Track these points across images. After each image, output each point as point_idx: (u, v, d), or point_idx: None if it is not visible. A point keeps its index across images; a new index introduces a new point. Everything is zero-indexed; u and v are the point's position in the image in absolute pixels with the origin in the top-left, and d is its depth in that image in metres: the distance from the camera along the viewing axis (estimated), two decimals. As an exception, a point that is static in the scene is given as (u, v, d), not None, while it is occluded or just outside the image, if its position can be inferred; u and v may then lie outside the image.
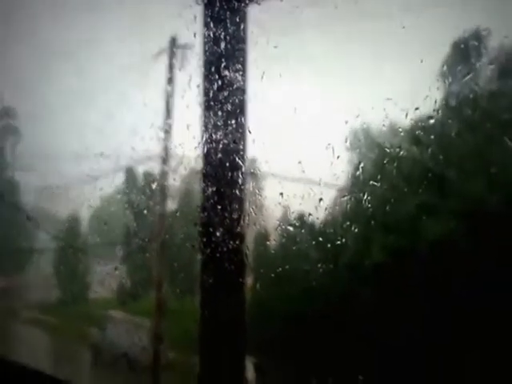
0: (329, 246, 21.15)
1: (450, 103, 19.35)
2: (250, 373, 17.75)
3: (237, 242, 3.18)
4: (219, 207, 3.08)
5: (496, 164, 17.59)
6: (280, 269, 21.99)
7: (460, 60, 19.03)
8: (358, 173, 21.62)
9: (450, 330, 16.43)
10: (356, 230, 18.79)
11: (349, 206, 21.89)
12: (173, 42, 19.91)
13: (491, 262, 16.33)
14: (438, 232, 16.43)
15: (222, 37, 3.13)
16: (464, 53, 18.81)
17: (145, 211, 25.38)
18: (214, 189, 3.10)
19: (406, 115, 20.89)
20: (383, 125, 21.59)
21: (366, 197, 20.62)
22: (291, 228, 24.48)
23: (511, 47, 18.51)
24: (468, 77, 18.96)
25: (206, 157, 3.16)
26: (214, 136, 3.13)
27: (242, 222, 3.15)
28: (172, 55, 19.86)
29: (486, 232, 16.53)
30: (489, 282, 16.64)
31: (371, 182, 19.94)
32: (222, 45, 3.15)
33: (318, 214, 23.52)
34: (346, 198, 23.62)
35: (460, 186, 17.20)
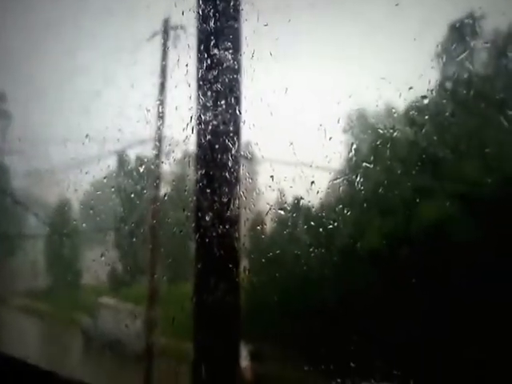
0: (322, 230, 21.18)
1: (444, 83, 19.33)
2: (246, 360, 17.84)
3: (229, 227, 3.14)
4: (211, 191, 3.03)
5: (492, 145, 17.62)
6: (273, 253, 22.02)
7: (455, 40, 18.94)
8: (350, 155, 21.61)
9: (447, 322, 16.53)
10: (349, 214, 18.81)
11: (342, 188, 21.92)
12: (166, 23, 19.70)
13: (488, 249, 16.42)
14: (433, 215, 16.47)
15: (213, 15, 3.08)
16: (459, 33, 18.73)
17: (136, 196, 25.31)
18: (206, 172, 3.05)
19: (400, 95, 20.85)
20: (377, 105, 21.52)
21: (359, 179, 20.64)
22: (283, 212, 24.53)
23: (507, 28, 18.48)
24: (463, 56, 18.92)
25: (198, 140, 3.10)
26: (205, 118, 3.08)
27: (234, 206, 3.11)
28: (165, 36, 19.66)
29: (483, 216, 16.61)
30: (487, 271, 16.73)
31: (364, 164, 19.93)
32: (214, 23, 3.08)
33: (311, 198, 23.55)
34: (338, 181, 23.65)
35: (456, 168, 17.21)
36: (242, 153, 3.17)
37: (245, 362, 17.37)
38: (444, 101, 18.99)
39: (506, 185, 16.07)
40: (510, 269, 16.38)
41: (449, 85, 19.04)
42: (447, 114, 18.53)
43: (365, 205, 18.84)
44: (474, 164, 16.94)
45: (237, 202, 3.12)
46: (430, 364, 16.86)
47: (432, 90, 19.43)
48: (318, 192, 24.10)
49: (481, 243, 16.43)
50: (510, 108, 18.24)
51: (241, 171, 3.17)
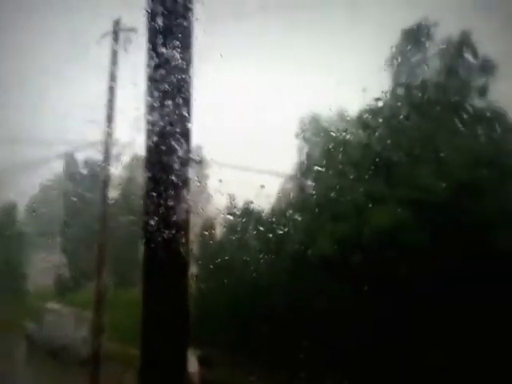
0: (272, 235, 21.19)
1: (398, 87, 19.62)
2: (194, 366, 17.60)
3: (176, 232, 3.05)
4: (158, 195, 2.94)
5: (446, 149, 17.90)
6: (222, 259, 21.85)
7: (409, 45, 19.33)
8: (302, 159, 21.68)
9: (400, 326, 16.69)
10: (300, 219, 18.80)
11: (293, 193, 21.94)
12: (116, 24, 19.38)
13: (440, 254, 16.70)
14: (385, 221, 16.59)
15: (162, 13, 3.00)
16: (414, 38, 19.12)
17: (82, 200, 24.76)
18: (154, 176, 2.96)
19: (354, 98, 21.09)
20: (330, 109, 21.74)
21: (310, 184, 20.70)
22: (232, 217, 24.44)
23: (459, 34, 18.94)
24: (417, 60, 19.30)
25: (146, 142, 3.01)
26: (153, 119, 2.99)
27: (181, 210, 3.03)
28: (114, 37, 19.32)
29: (433, 218, 16.87)
30: (439, 276, 17.06)
31: (316, 169, 19.99)
32: (163, 21, 3.00)
33: (261, 202, 23.58)
34: (289, 186, 23.68)
35: (409, 173, 17.40)
36: (191, 156, 3.08)
37: (193, 367, 17.14)
38: (398, 104, 19.26)
39: (458, 190, 16.38)
40: (462, 273, 16.75)
41: (403, 89, 19.37)
42: (401, 117, 18.79)
43: (316, 210, 18.87)
44: (427, 169, 17.18)
45: (185, 206, 3.04)
46: (380, 368, 17.04)
47: (386, 93, 19.71)
48: (268, 197, 24.17)
49: (432, 248, 16.71)
50: (464, 111, 18.65)
51: (189, 174, 3.09)
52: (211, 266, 22.14)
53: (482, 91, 18.70)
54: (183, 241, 3.02)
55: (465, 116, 18.32)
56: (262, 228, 21.68)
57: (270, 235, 20.90)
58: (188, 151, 2.94)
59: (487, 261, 16.43)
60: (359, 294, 16.68)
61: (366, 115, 19.48)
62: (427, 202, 16.57)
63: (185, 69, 2.94)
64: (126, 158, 22.80)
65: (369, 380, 16.85)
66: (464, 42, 18.78)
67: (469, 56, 18.76)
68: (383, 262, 16.86)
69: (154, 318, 2.84)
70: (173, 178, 2.93)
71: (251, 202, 22.58)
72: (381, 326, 17.01)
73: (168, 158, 2.86)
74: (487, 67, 18.59)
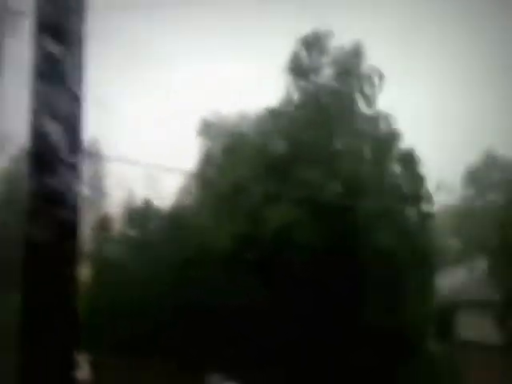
0: (171, 232, 20.96)
1: (294, 94, 20.08)
2: (86, 371, 16.89)
3: (68, 229, 2.91)
4: (46, 191, 2.77)
5: (337, 152, 18.56)
6: (118, 257, 21.31)
7: (304, 53, 19.82)
8: (203, 157, 21.64)
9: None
10: (200, 216, 18.76)
11: (192, 191, 21.85)
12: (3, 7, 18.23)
13: (332, 251, 17.25)
14: (280, 219, 16.89)
15: (53, 4, 2.82)
16: (308, 46, 19.62)
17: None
18: (41, 170, 2.78)
19: (254, 102, 21.31)
20: (230, 111, 21.94)
21: (209, 182, 20.71)
22: (131, 213, 23.93)
23: (351, 47, 19.67)
24: (311, 68, 19.84)
25: (32, 135, 2.82)
26: (42, 112, 2.82)
27: (73, 206, 2.88)
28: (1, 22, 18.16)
29: (325, 219, 17.43)
30: (332, 269, 17.62)
31: (215, 168, 20.06)
32: (54, 13, 2.83)
33: (160, 200, 23.26)
34: (189, 183, 23.53)
35: (302, 172, 17.79)
36: (83, 149, 2.95)
37: (84, 373, 16.49)
38: (293, 107, 19.71)
39: (348, 189, 17.01)
40: (353, 271, 17.42)
41: (298, 93, 19.85)
42: (296, 119, 19.22)
43: (215, 208, 18.90)
44: (319, 169, 17.67)
45: (77, 202, 2.89)
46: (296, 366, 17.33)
47: (283, 97, 20.12)
48: (168, 193, 23.90)
49: (325, 245, 17.23)
50: (354, 116, 19.40)
51: (82, 170, 2.95)
52: (106, 264, 21.53)
53: (371, 98, 19.56)
54: (75, 239, 2.85)
55: (355, 120, 19.13)
56: (161, 225, 21.46)
57: (169, 232, 20.72)
58: (78, 144, 2.75)
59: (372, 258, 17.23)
60: (254, 289, 16.90)
61: (263, 117, 19.80)
62: (319, 200, 17.07)
63: (75, 60, 2.76)
64: (11, 152, 21.61)
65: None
66: (356, 51, 19.54)
67: (360, 64, 19.56)
68: (277, 258, 17.21)
69: (36, 320, 2.58)
70: (61, 171, 2.72)
71: (150, 199, 22.25)
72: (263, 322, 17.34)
73: (55, 150, 2.64)
74: (376, 75, 19.46)
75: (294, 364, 17.27)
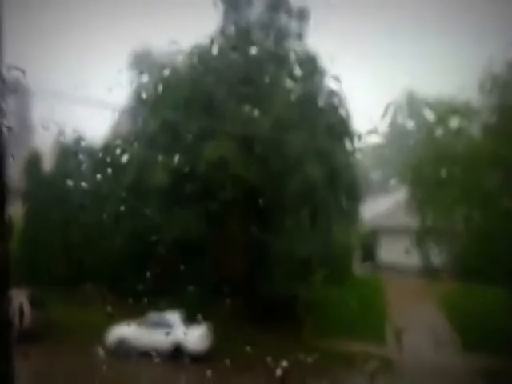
0: (106, 167, 20.29)
1: (226, 29, 19.38)
2: (25, 306, 16.38)
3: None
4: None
5: (269, 91, 18.25)
6: (51, 192, 20.48)
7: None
8: (134, 90, 20.71)
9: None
10: (135, 151, 18.08)
11: (126, 125, 20.93)
12: None
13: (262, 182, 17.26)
14: (215, 153, 16.63)
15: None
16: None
17: None
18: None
19: (187, 35, 20.37)
20: (163, 45, 21.02)
21: (143, 116, 19.88)
22: (63, 149, 22.95)
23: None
24: (242, 3, 19.24)
25: None
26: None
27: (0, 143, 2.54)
28: None
29: (257, 153, 17.34)
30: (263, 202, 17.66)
31: (150, 101, 19.22)
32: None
33: (92, 134, 22.34)
34: (123, 118, 22.58)
35: (236, 109, 17.48)
36: (8, 83, 2.55)
37: (25, 308, 16.01)
38: (227, 44, 19.04)
39: (279, 125, 16.85)
40: (282, 203, 17.55)
41: (231, 28, 19.22)
42: (229, 56, 18.60)
43: (150, 142, 18.24)
44: (252, 106, 17.38)
45: (2, 136, 2.54)
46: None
47: (216, 32, 19.31)
48: (100, 129, 22.95)
49: (256, 178, 17.20)
50: (284, 54, 18.99)
51: (6, 103, 2.58)
52: (40, 201, 20.69)
53: (300, 35, 19.21)
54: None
55: (285, 59, 18.79)
56: (95, 160, 20.71)
57: (104, 167, 20.03)
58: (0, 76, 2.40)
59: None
60: (192, 222, 16.77)
61: (196, 52, 19.08)
62: (252, 136, 16.91)
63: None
64: None
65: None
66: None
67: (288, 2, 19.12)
68: (214, 191, 17.08)
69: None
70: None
71: (82, 134, 21.36)
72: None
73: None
74: (303, 14, 19.07)
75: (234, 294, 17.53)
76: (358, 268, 25.45)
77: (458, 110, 17.76)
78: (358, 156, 20.98)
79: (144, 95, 19.21)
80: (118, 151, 19.49)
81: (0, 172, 2.56)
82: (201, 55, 18.68)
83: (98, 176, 19.25)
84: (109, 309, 17.56)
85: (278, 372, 13.21)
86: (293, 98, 18.30)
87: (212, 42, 19.00)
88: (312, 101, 18.77)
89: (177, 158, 16.99)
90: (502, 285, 15.64)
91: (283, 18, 19.34)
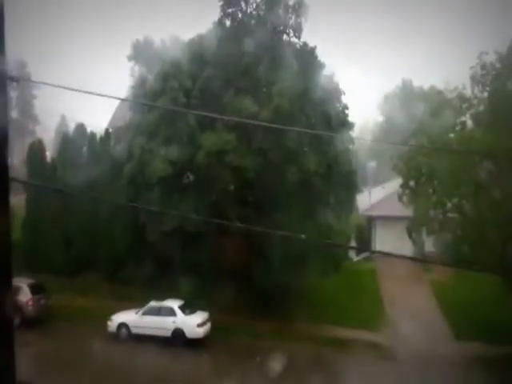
0: (107, 157, 20.30)
1: (225, 20, 19.30)
2: (26, 293, 16.41)
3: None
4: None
5: (267, 84, 18.24)
6: (54, 181, 20.48)
7: None
8: (139, 84, 20.63)
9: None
10: (136, 141, 18.08)
11: (128, 116, 20.88)
12: None
13: (261, 172, 17.31)
14: (214, 144, 16.64)
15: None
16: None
17: None
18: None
19: (187, 28, 20.29)
20: (163, 37, 20.93)
21: (147, 108, 19.82)
22: (66, 138, 22.92)
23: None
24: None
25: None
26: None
27: (4, 132, 2.60)
28: None
29: (256, 144, 17.36)
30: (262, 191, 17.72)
31: (151, 93, 19.14)
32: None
33: (95, 124, 22.38)
34: (125, 109, 22.49)
35: (234, 100, 17.48)
36: (7, 73, 2.64)
37: (25, 296, 16.01)
38: (226, 34, 18.98)
39: (275, 116, 16.84)
40: (281, 192, 17.60)
41: (229, 20, 19.12)
42: (229, 47, 18.55)
43: (150, 133, 18.22)
44: (250, 98, 17.37)
45: (6, 126, 2.62)
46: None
47: (215, 23, 19.21)
48: (102, 119, 22.87)
49: (256, 169, 17.26)
50: (282, 46, 18.93)
51: (10, 94, 2.65)
52: (42, 190, 20.67)
53: (298, 28, 19.11)
54: (2, 165, 2.59)
55: (283, 51, 18.70)
56: (97, 149, 20.65)
57: (105, 157, 19.99)
58: (3, 68, 2.44)
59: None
60: (190, 212, 16.83)
61: (196, 44, 19.05)
62: (251, 127, 16.93)
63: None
64: None
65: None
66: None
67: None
68: (213, 180, 17.14)
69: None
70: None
71: (84, 124, 21.36)
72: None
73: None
74: (300, 7, 18.94)
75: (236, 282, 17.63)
76: (354, 257, 25.63)
77: (451, 101, 17.79)
78: (354, 147, 21.08)
79: (144, 86, 19.23)
80: (119, 142, 19.51)
81: (3, 161, 2.63)
82: (200, 47, 18.66)
83: (99, 166, 19.30)
84: (109, 296, 17.70)
85: (272, 359, 13.38)
86: (290, 90, 18.29)
87: (211, 34, 18.96)
88: (309, 93, 18.76)
89: (176, 149, 17.03)
90: (494, 273, 15.76)
91: (281, 11, 19.23)
